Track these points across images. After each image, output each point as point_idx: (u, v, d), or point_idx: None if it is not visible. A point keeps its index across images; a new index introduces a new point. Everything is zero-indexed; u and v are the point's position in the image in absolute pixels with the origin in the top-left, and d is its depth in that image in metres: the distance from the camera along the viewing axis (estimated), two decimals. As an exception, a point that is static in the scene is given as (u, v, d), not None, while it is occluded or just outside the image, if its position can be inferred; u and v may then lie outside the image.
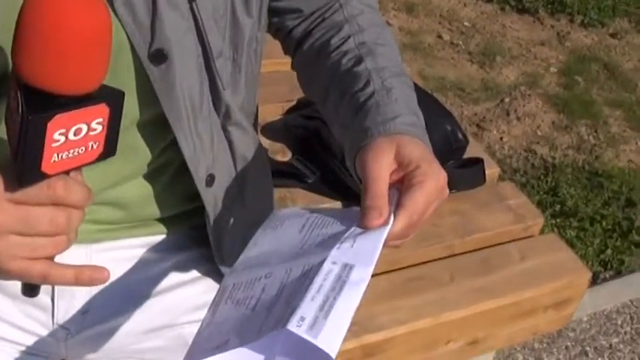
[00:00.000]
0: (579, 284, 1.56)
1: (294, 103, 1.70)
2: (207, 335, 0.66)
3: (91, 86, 0.58)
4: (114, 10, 0.72)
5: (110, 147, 0.63)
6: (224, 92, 0.86)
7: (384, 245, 0.71)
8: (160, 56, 0.77)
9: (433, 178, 0.75)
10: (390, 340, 1.35)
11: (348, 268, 0.65)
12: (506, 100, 3.18)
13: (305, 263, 0.68)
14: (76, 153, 0.61)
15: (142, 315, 0.97)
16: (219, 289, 0.72)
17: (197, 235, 1.00)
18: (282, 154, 1.59)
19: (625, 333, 2.34)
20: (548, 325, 1.62)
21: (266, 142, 1.58)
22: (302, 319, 0.58)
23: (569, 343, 2.26)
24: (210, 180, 0.90)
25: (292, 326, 0.58)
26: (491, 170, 1.69)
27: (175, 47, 0.77)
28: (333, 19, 0.95)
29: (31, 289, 0.70)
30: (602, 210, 2.72)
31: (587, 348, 2.26)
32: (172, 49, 0.77)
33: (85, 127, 0.59)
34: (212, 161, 0.89)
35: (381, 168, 0.76)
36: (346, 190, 1.52)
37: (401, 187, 0.76)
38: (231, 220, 0.97)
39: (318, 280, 0.63)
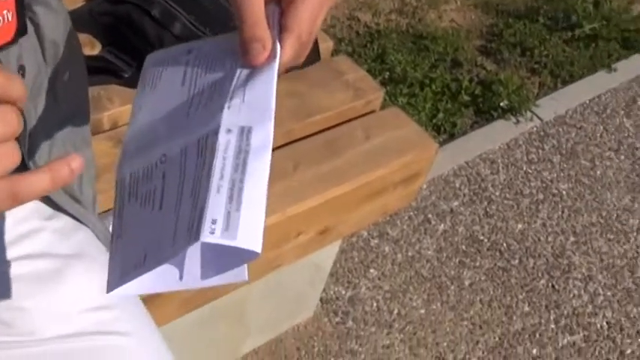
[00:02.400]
0: (427, 157, 1.49)
1: (96, -15, 1.48)
2: (121, 249, 0.59)
3: None
4: None
5: (22, 23, 0.55)
6: None
7: (279, 77, 0.61)
8: None
9: None
10: (237, 243, 1.23)
11: (246, 132, 0.57)
12: (324, -34, 3.03)
13: (199, 136, 0.58)
14: None
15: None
16: (116, 183, 0.63)
17: None
18: (90, 46, 1.38)
19: (464, 195, 2.34)
20: (397, 202, 1.55)
21: (69, 35, 1.36)
22: (213, 222, 0.52)
23: (411, 213, 2.24)
24: (22, 73, 0.75)
25: (205, 236, 0.52)
26: (325, 44, 1.56)
27: None
28: None
29: None
30: (430, 73, 2.68)
31: (430, 215, 2.25)
32: None
33: None
34: (19, 49, 0.73)
35: None
36: (169, 82, 1.34)
37: (280, 1, 0.62)
38: (43, 118, 0.82)
39: (217, 163, 0.55)
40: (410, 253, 2.12)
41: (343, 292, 1.97)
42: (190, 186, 0.56)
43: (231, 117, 0.58)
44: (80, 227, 0.90)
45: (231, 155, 0.55)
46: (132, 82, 1.34)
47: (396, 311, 1.97)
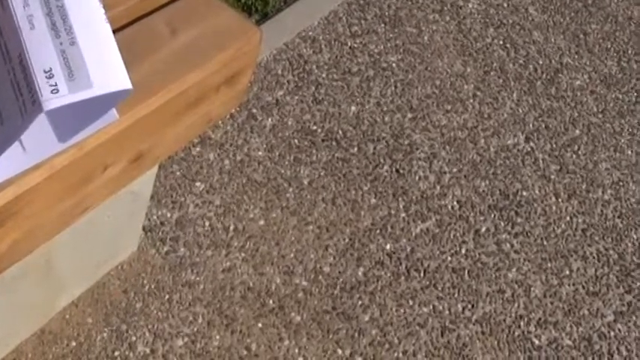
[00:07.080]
0: (251, 48, 1.22)
1: None
2: None
3: None
4: None
5: None
6: None
7: None
8: None
9: None
10: (21, 196, 0.92)
11: None
12: None
13: None
14: None
15: None
16: None
17: None
18: None
19: (288, 82, 2.08)
20: (222, 107, 1.27)
21: None
22: (49, 73, 0.36)
23: (232, 110, 1.96)
24: None
25: (48, 99, 0.37)
26: None
27: None
28: None
29: None
30: (230, -54, 2.36)
31: (254, 110, 1.98)
32: None
33: None
34: None
35: None
36: None
37: None
38: None
39: None
40: (238, 157, 1.85)
41: (169, 215, 1.69)
42: None
43: None
44: None
45: None
46: None
47: (232, 227, 1.72)
